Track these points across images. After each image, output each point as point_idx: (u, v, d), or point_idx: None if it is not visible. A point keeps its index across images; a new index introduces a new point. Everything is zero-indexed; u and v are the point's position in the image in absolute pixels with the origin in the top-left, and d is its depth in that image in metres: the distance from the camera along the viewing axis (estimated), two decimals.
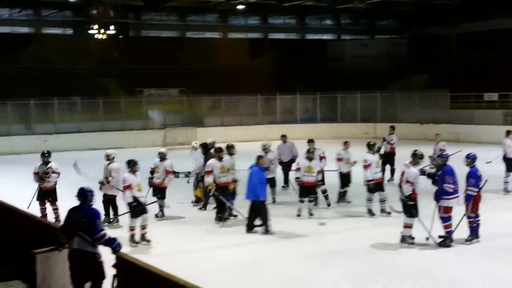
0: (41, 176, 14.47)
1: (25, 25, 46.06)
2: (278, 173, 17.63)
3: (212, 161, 14.65)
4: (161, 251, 12.41)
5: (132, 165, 13.00)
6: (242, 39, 51.46)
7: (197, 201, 16.65)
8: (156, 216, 14.89)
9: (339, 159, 16.67)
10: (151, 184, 15.13)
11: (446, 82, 38.88)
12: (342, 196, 16.76)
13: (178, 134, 33.82)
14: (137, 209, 12.68)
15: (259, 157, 14.20)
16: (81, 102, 35.40)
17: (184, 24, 50.30)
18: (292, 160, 18.17)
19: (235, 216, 14.84)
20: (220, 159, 14.63)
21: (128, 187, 12.66)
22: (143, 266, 7.61)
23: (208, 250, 12.53)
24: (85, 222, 8.38)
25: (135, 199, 12.67)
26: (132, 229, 12.75)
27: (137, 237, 12.78)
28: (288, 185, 18.39)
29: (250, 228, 13.73)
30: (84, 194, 8.70)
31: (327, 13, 53.11)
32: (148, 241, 12.85)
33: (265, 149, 16.87)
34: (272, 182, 16.65)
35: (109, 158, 14.61)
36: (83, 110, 35.45)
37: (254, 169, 13.78)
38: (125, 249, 11.56)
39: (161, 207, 15.12)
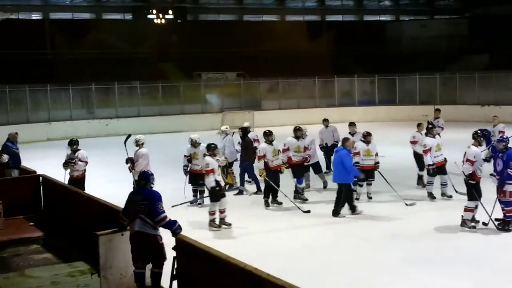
0: (66, 161, 14.43)
1: (86, 11, 46.87)
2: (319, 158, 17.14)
3: (263, 145, 14.63)
4: (223, 234, 12.54)
5: (212, 149, 13.12)
6: (299, 21, 51.21)
7: (229, 187, 16.23)
8: (199, 203, 14.84)
9: (414, 142, 16.40)
10: (188, 171, 15.04)
11: (509, 62, 37.92)
12: (420, 179, 16.44)
13: (235, 118, 33.90)
14: (218, 193, 12.78)
15: (345, 139, 14.09)
16: (141, 87, 35.85)
17: (241, 7, 50.35)
18: (334, 145, 17.49)
19: (281, 203, 14.73)
20: (270, 142, 14.64)
21: (212, 171, 12.72)
22: (203, 248, 7.71)
23: (266, 233, 12.60)
24: (146, 204, 8.51)
25: (217, 183, 12.78)
26: (212, 213, 12.88)
27: (217, 221, 12.93)
28: (331, 170, 17.91)
29: (337, 212, 13.64)
30: (146, 177, 8.88)
31: None
32: (229, 224, 12.92)
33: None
34: (317, 167, 16.57)
35: (138, 144, 14.45)
36: (143, 94, 35.90)
37: (342, 152, 13.67)
38: (206, 233, 11.89)
39: (202, 193, 14.99)
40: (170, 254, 8.26)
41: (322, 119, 18.94)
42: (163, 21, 43.98)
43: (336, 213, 13.52)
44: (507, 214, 11.96)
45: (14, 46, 38.53)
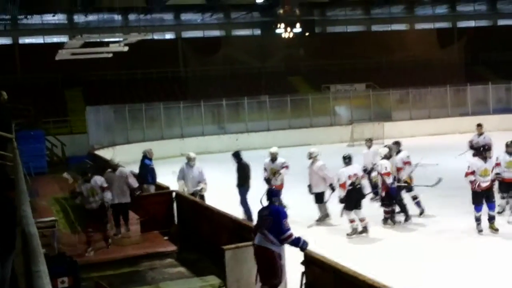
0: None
1: (216, 29, 48.01)
2: None
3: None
4: (347, 249, 12.40)
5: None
6: (429, 29, 50.14)
7: None
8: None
9: None
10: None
11: None
12: None
13: (365, 130, 33.60)
14: None
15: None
16: (270, 101, 36.25)
17: (369, 17, 49.86)
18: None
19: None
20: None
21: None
22: (331, 263, 7.69)
23: (394, 247, 12.41)
24: (270, 219, 8.58)
25: None
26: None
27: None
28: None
29: None
30: (273, 195, 9.13)
31: None
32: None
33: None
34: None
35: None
36: (272, 108, 36.24)
37: None
38: (331, 248, 11.60)
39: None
40: (299, 269, 8.27)
41: (365, 139, 17.47)
42: (291, 35, 44.27)
43: None
44: None
45: (149, 65, 40.21)
